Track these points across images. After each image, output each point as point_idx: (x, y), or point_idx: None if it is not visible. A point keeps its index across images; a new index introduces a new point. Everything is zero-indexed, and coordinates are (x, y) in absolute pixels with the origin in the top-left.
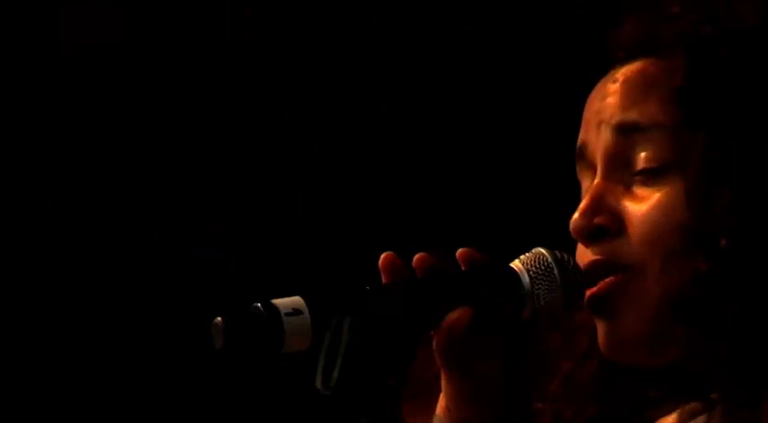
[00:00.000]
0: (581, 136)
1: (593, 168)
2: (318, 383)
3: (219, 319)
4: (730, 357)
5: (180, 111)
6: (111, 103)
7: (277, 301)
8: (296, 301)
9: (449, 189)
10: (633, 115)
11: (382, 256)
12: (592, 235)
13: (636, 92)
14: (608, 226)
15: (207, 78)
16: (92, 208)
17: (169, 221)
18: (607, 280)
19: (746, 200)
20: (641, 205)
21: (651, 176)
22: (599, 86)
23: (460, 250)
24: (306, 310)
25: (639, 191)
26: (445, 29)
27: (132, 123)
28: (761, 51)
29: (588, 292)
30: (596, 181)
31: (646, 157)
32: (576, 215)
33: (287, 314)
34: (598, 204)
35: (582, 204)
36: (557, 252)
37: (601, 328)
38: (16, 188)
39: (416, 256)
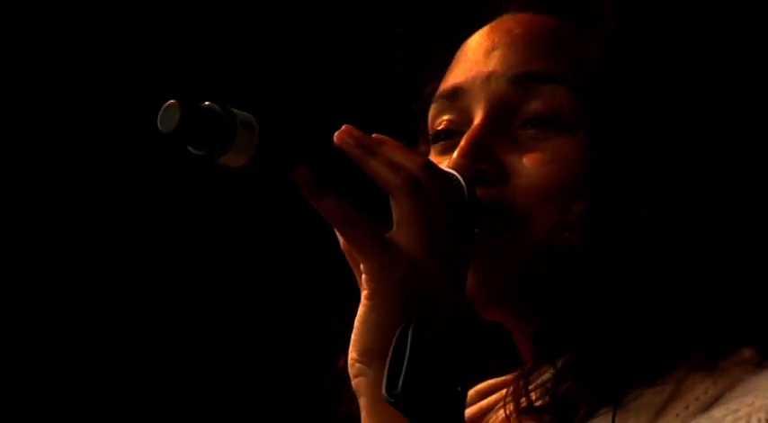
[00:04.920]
0: (455, 79)
1: (463, 113)
2: (384, 391)
3: (174, 101)
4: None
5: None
6: (112, 103)
7: (233, 109)
8: (250, 116)
9: None
10: (537, 66)
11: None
12: (473, 178)
13: (540, 45)
14: (491, 173)
15: (207, 78)
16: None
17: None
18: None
19: (665, 162)
20: (530, 158)
21: (542, 129)
22: (487, 32)
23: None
24: (257, 129)
25: (527, 143)
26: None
27: (132, 123)
28: (687, 38)
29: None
30: (477, 123)
31: (542, 109)
32: (456, 154)
33: (241, 123)
34: (479, 147)
35: (463, 143)
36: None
37: (475, 273)
38: (16, 188)
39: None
